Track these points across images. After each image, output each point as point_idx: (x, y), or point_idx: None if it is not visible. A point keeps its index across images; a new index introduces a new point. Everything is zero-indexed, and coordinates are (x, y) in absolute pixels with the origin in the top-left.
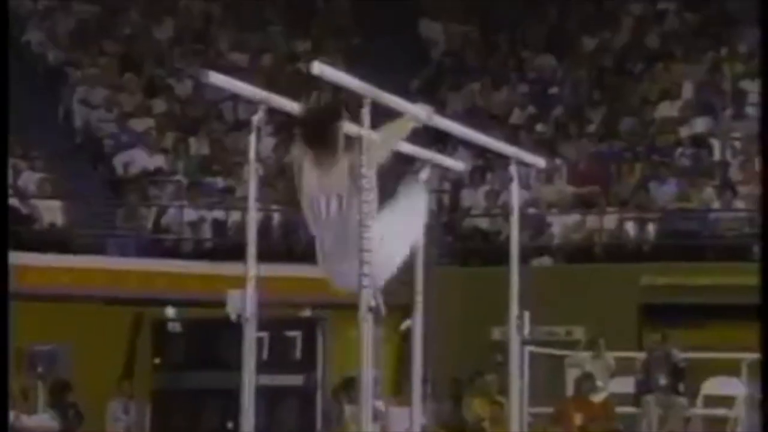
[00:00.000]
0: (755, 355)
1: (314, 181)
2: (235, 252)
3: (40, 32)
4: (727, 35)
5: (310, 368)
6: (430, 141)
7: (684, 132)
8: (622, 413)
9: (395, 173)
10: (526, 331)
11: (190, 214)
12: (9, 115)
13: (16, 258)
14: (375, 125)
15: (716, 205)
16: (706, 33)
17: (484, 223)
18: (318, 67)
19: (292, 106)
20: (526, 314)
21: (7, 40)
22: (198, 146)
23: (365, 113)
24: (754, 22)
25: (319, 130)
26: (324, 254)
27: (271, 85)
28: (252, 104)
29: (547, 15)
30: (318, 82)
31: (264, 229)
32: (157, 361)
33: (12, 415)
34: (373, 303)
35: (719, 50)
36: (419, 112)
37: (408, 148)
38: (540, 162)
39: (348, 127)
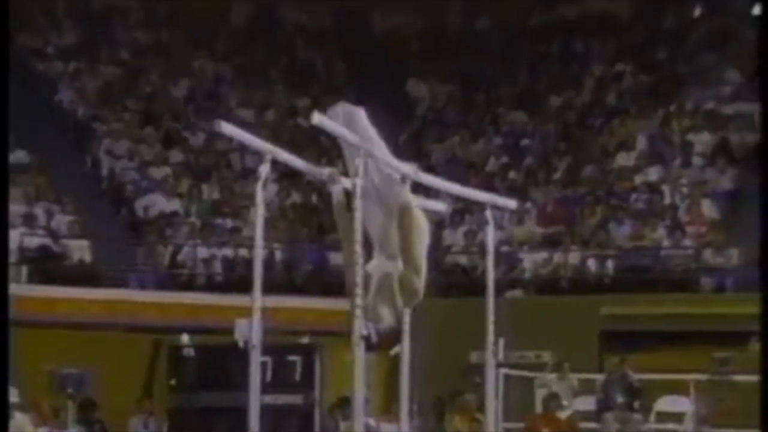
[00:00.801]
0: (702, 376)
1: None
2: (242, 285)
3: (70, 92)
4: (675, 94)
5: (308, 389)
6: (414, 186)
7: (638, 179)
8: (584, 429)
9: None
10: (501, 355)
11: (202, 252)
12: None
13: (50, 291)
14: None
15: (667, 243)
16: (657, 92)
17: (463, 260)
18: (318, 118)
19: (293, 158)
20: (501, 340)
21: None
22: (210, 191)
23: (359, 164)
24: (698, 82)
25: None
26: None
27: (274, 138)
28: (258, 155)
29: (518, 76)
30: (316, 134)
31: (268, 264)
32: (173, 382)
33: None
34: (365, 332)
35: (668, 107)
36: (407, 170)
37: None
38: (512, 205)
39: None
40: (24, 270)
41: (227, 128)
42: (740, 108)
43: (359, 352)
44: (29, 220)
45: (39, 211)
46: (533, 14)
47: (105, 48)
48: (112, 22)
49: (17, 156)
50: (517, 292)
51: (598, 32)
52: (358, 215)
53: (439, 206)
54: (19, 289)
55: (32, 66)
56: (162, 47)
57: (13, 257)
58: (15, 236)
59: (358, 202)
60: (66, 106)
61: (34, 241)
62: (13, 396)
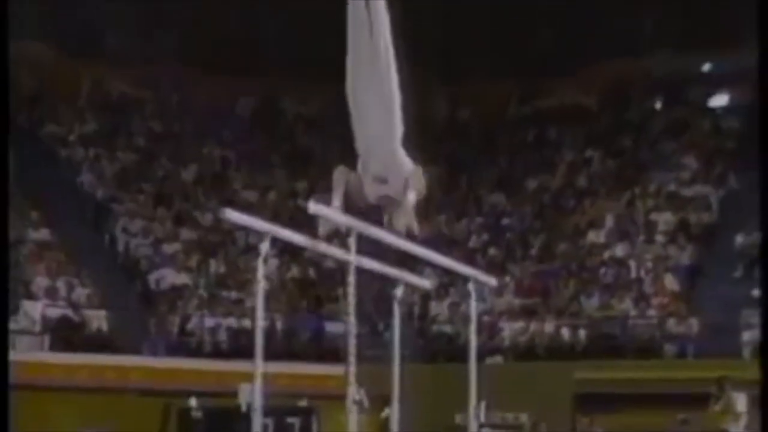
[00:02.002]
0: None
1: None
2: (245, 352)
3: (90, 175)
4: (640, 178)
5: None
6: (402, 262)
7: (607, 254)
8: None
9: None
10: (483, 417)
11: (209, 321)
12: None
13: (70, 358)
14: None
15: (633, 313)
16: (623, 176)
17: (448, 329)
18: (313, 207)
19: (292, 236)
20: (483, 403)
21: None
22: (216, 266)
23: (352, 242)
24: (660, 167)
25: None
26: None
27: (275, 217)
28: (260, 234)
29: (498, 162)
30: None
31: (269, 333)
32: None
33: None
34: (357, 397)
35: (634, 189)
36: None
37: (385, 269)
38: (492, 281)
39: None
40: (46, 339)
41: (232, 215)
42: (698, 190)
43: (352, 415)
44: (51, 292)
45: (60, 284)
46: (511, 106)
47: (122, 135)
48: (129, 112)
49: (41, 234)
50: (498, 358)
51: (570, 122)
52: (351, 290)
53: (425, 283)
54: (41, 356)
55: (57, 152)
56: (174, 135)
57: (36, 327)
58: (38, 307)
59: (351, 280)
60: (86, 188)
61: (55, 312)
62: None
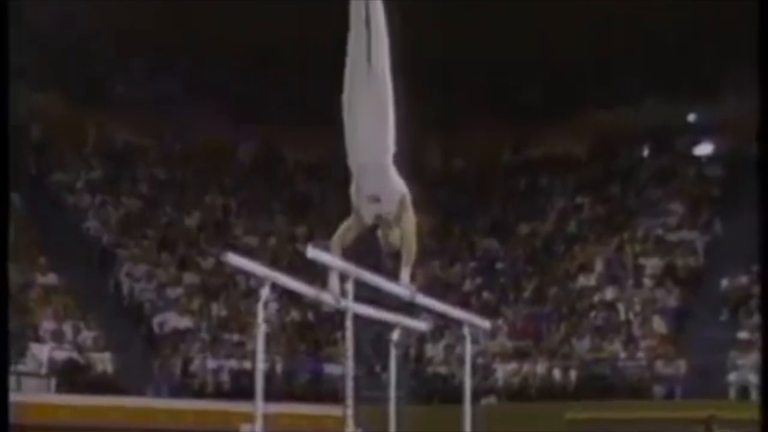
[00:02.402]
0: None
1: None
2: (246, 393)
3: (96, 221)
4: (628, 224)
5: None
6: (398, 305)
7: (597, 298)
8: None
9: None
10: None
11: (211, 363)
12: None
13: (76, 399)
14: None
15: (622, 355)
16: (612, 222)
17: (443, 370)
18: (312, 252)
19: (291, 281)
20: None
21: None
22: (218, 309)
23: (349, 288)
24: (647, 214)
25: None
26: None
27: (275, 262)
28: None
29: (491, 209)
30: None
31: (269, 375)
32: None
33: None
34: None
35: (622, 235)
36: (405, 292)
37: (382, 314)
38: (486, 324)
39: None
40: (53, 381)
41: (233, 259)
42: (684, 236)
43: None
44: (58, 336)
45: (67, 327)
46: (503, 155)
47: (127, 183)
48: (133, 160)
49: (49, 278)
50: (492, 399)
51: (560, 170)
52: (348, 335)
53: (421, 326)
54: (48, 398)
55: (64, 199)
56: (177, 182)
57: (43, 369)
58: (45, 350)
59: (348, 325)
60: (92, 233)
61: (62, 355)
62: None
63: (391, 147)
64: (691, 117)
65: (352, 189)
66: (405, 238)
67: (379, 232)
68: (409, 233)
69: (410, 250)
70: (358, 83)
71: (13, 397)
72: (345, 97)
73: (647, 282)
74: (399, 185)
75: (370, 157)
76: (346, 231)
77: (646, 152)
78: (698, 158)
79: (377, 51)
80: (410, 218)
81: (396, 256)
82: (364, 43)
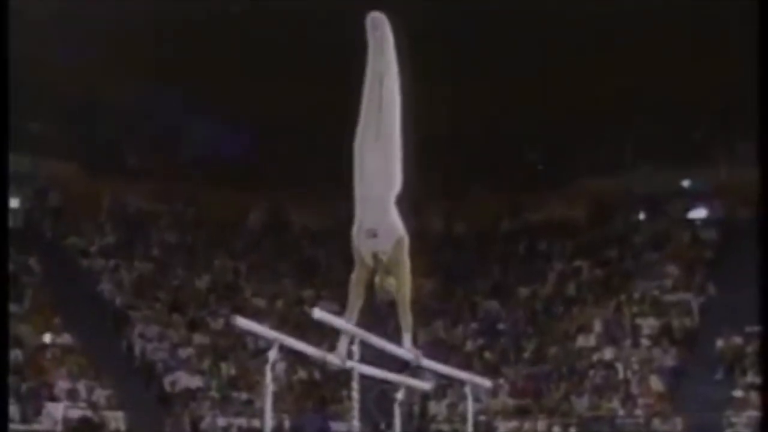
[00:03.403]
0: None
1: None
2: None
3: (109, 284)
4: (625, 286)
5: None
6: (403, 367)
7: (596, 357)
8: None
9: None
10: None
11: (221, 421)
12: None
13: None
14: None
15: (621, 413)
16: (610, 284)
17: (446, 428)
18: (317, 314)
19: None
20: None
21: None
22: (227, 369)
23: (355, 349)
24: (644, 276)
25: None
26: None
27: (283, 323)
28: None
29: (491, 272)
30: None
31: (277, 431)
32: None
33: None
34: None
35: (620, 297)
36: (409, 356)
37: (387, 374)
38: (487, 383)
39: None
40: None
41: (241, 321)
42: (680, 297)
43: None
44: (72, 395)
45: (81, 386)
46: (503, 220)
47: (139, 247)
48: (146, 225)
49: (64, 339)
50: None
51: (558, 234)
52: (355, 395)
53: (425, 385)
54: None
55: (78, 263)
56: (188, 246)
57: (58, 427)
58: (60, 409)
59: (355, 385)
60: (106, 296)
61: (76, 413)
62: None
63: (397, 185)
64: (685, 182)
65: (354, 229)
66: (400, 285)
67: (376, 280)
68: (404, 279)
69: (405, 299)
70: (369, 127)
71: None
72: (356, 144)
73: (644, 342)
74: (398, 225)
75: (374, 190)
76: (356, 285)
77: (641, 217)
78: (692, 222)
79: (389, 103)
80: (405, 263)
81: (391, 305)
82: (376, 97)
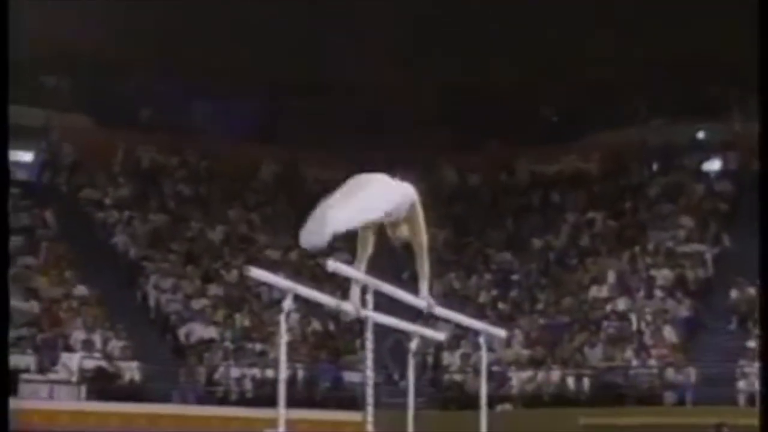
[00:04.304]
0: None
1: None
2: (269, 400)
3: (124, 236)
4: (639, 237)
5: None
6: (417, 316)
7: (609, 308)
8: None
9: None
10: None
11: (235, 372)
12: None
13: (104, 406)
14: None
15: (634, 363)
16: (624, 236)
17: (459, 378)
18: (332, 265)
19: (313, 292)
20: None
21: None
22: (242, 320)
23: (369, 299)
24: (658, 227)
25: None
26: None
27: (297, 274)
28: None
29: (505, 224)
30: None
31: (291, 382)
32: None
33: None
34: None
35: (633, 248)
36: (423, 304)
37: (401, 324)
38: (501, 333)
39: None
40: (83, 388)
41: (256, 272)
42: (694, 248)
43: None
44: (88, 345)
45: (96, 337)
46: (517, 172)
47: (153, 199)
48: (160, 177)
49: (79, 290)
50: (507, 406)
51: (572, 186)
52: (368, 345)
53: (439, 335)
54: (79, 405)
55: (93, 215)
56: (202, 199)
57: (74, 378)
58: (75, 359)
59: (368, 335)
60: (120, 248)
61: (91, 364)
62: None
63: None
64: (699, 135)
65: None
66: (415, 233)
67: (388, 230)
68: (418, 229)
69: (422, 247)
70: None
71: (46, 404)
72: None
73: (658, 293)
74: (407, 195)
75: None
76: (362, 235)
77: (655, 168)
78: (706, 174)
79: None
80: (419, 216)
81: (407, 247)
82: None
